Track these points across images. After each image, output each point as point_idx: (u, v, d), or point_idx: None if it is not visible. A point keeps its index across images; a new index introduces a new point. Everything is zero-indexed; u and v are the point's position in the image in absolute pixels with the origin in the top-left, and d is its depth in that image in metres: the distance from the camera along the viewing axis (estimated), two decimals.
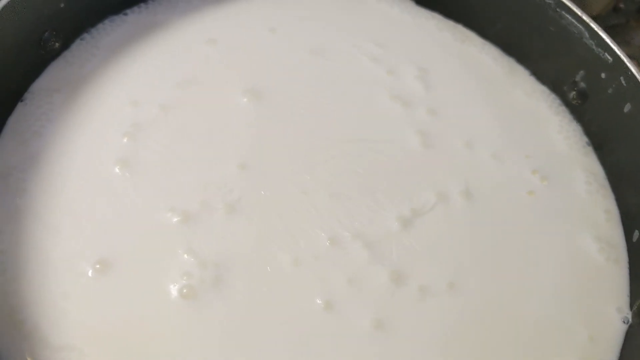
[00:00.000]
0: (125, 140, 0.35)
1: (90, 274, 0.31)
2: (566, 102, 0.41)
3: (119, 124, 0.36)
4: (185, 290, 0.30)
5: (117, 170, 0.34)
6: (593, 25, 0.37)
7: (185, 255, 0.32)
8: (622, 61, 0.36)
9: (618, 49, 0.36)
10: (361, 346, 0.30)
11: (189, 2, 0.43)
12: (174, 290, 0.31)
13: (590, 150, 0.39)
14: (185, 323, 0.30)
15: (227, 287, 0.31)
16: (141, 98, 0.37)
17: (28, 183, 0.34)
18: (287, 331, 0.30)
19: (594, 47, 0.38)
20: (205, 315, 0.30)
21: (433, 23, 0.44)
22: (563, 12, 0.39)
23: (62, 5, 0.37)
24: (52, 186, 0.34)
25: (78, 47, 0.39)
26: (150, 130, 0.36)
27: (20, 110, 0.36)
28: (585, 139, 0.39)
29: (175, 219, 0.33)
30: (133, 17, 0.42)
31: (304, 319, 0.30)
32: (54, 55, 0.39)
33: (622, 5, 0.53)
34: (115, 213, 0.33)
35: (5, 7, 0.34)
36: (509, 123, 0.37)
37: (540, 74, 0.42)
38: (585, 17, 0.38)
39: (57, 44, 0.38)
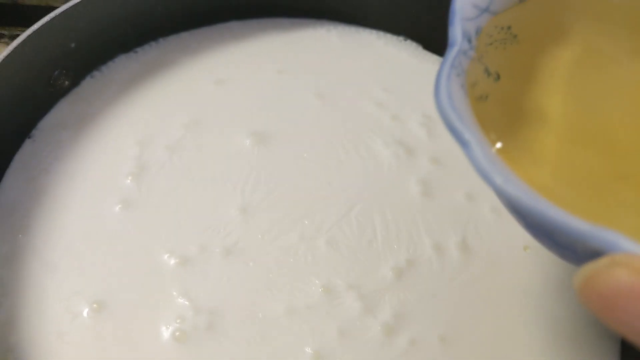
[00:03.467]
0: (128, 180, 0.36)
1: (86, 314, 0.31)
2: None
3: (124, 164, 0.36)
4: (177, 334, 0.31)
5: (118, 209, 0.35)
6: None
7: (181, 299, 0.32)
8: None
9: None
10: None
11: (200, 42, 0.43)
12: (166, 333, 0.31)
13: None
14: None
15: (219, 332, 0.31)
16: (147, 138, 0.37)
17: (32, 220, 0.34)
18: None
19: None
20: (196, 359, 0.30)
21: None
22: None
23: (73, 45, 0.38)
24: (54, 224, 0.34)
25: (88, 85, 0.40)
26: (154, 171, 0.36)
27: (28, 147, 0.37)
28: None
29: (172, 262, 0.33)
30: (143, 55, 0.42)
31: None
32: (63, 92, 0.39)
33: None
34: (114, 253, 0.33)
35: (16, 47, 0.34)
36: None
37: None
38: None
39: (66, 82, 0.39)
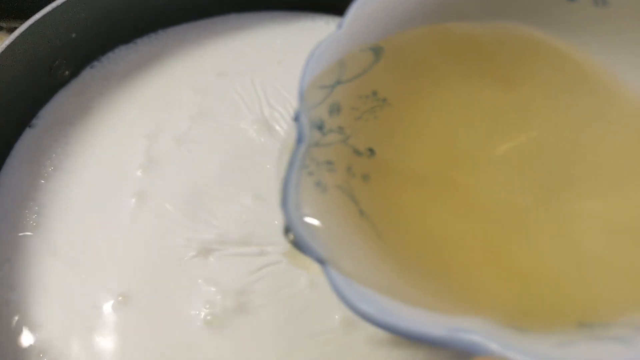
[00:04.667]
0: (139, 173, 0.36)
1: (112, 307, 0.31)
2: None
3: (132, 156, 0.37)
4: (209, 318, 0.31)
5: (133, 202, 0.35)
6: None
7: (207, 285, 0.32)
8: None
9: None
10: None
11: (199, 34, 0.43)
12: (197, 318, 0.31)
13: None
14: (211, 350, 0.30)
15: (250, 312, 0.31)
16: (155, 131, 0.38)
17: (44, 218, 0.34)
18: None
19: None
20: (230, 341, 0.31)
21: None
22: None
23: (73, 35, 0.38)
24: (66, 218, 0.34)
25: (88, 75, 0.40)
26: (165, 163, 0.36)
27: (29, 136, 0.37)
28: None
29: (192, 252, 0.33)
30: (143, 46, 0.43)
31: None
32: (64, 82, 0.39)
33: None
34: (133, 246, 0.33)
35: (18, 37, 0.35)
36: None
37: None
38: None
39: (67, 72, 0.39)
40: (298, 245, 0.19)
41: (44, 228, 0.34)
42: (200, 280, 0.32)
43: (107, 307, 0.31)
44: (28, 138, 0.37)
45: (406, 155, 0.24)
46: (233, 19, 0.45)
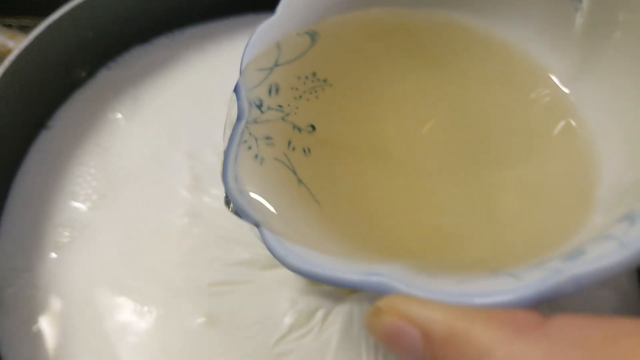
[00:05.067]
0: (184, 193, 0.35)
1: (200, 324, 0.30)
2: None
3: (152, 158, 0.36)
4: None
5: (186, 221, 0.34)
6: None
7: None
8: None
9: None
10: None
11: (216, 34, 0.43)
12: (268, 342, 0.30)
13: None
14: None
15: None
16: (195, 149, 0.36)
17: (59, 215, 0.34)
18: None
19: None
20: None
21: None
22: None
23: (90, 35, 0.38)
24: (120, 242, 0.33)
25: (103, 76, 0.40)
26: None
27: (44, 137, 0.37)
28: None
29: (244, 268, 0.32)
30: (159, 46, 0.42)
31: None
32: (79, 83, 0.39)
33: None
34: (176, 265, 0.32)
35: (36, 37, 0.34)
36: None
37: None
38: None
39: (83, 73, 0.39)
40: (236, 212, 0.22)
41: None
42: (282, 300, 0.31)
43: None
44: (43, 139, 0.37)
45: (345, 130, 0.26)
46: (250, 19, 0.44)
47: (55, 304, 0.31)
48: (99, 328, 0.30)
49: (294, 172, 0.24)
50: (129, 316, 0.31)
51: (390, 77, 0.27)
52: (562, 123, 0.26)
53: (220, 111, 0.37)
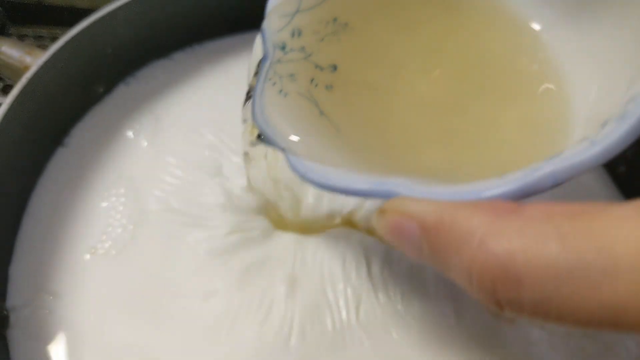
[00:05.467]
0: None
1: None
2: None
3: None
4: None
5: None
6: None
7: None
8: None
9: None
10: None
11: (235, 48, 0.42)
12: None
13: None
14: None
15: None
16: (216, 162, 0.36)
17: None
18: None
19: None
20: None
21: None
22: None
23: (109, 50, 0.37)
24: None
25: (121, 91, 0.39)
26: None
27: (60, 155, 0.36)
28: None
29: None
30: (178, 61, 0.41)
31: None
32: (97, 99, 0.38)
33: None
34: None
35: (55, 52, 0.33)
36: None
37: None
38: None
39: (101, 89, 0.38)
40: (263, 140, 0.24)
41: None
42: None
43: None
44: (60, 157, 0.36)
45: (365, 70, 0.28)
46: None
47: (70, 326, 0.30)
48: (109, 353, 0.30)
49: (316, 105, 0.26)
50: (143, 345, 0.30)
51: (407, 22, 0.29)
52: (544, 66, 0.29)
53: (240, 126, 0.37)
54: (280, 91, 0.26)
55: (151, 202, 0.34)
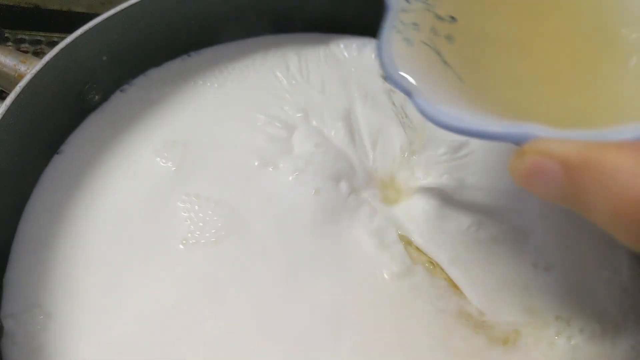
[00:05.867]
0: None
1: None
2: None
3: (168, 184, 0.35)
4: None
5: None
6: None
7: None
8: None
9: None
10: None
11: (231, 55, 0.42)
12: None
13: None
14: None
15: None
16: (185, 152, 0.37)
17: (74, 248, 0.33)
18: None
19: None
20: None
21: None
22: None
23: (104, 58, 0.37)
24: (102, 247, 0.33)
25: (118, 99, 0.39)
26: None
27: (57, 163, 0.36)
28: None
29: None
30: (175, 68, 0.41)
31: None
32: (93, 107, 0.38)
33: None
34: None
35: (50, 60, 0.33)
36: None
37: None
38: None
39: (96, 96, 0.38)
40: (390, 82, 0.25)
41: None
42: None
43: None
44: (56, 165, 0.36)
45: (483, 22, 0.29)
46: (268, 40, 0.43)
47: (64, 336, 0.30)
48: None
49: (439, 54, 0.27)
50: None
51: None
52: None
53: (239, 130, 0.37)
54: (406, 39, 0.27)
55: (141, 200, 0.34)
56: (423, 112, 0.24)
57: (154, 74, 0.40)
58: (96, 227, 0.33)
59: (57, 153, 0.36)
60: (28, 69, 0.34)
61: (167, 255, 0.32)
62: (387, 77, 0.26)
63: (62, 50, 0.34)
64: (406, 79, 0.25)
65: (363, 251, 0.33)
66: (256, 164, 0.36)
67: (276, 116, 0.38)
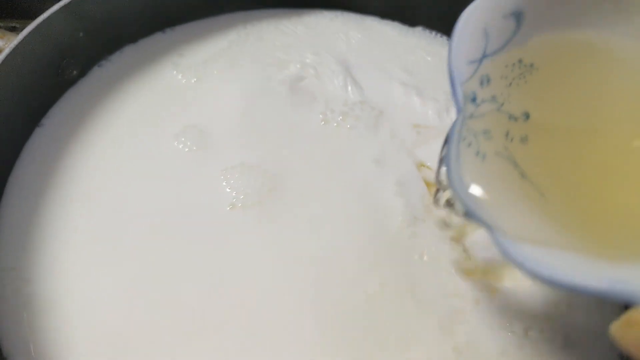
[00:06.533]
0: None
1: None
2: None
3: (152, 157, 0.37)
4: None
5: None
6: None
7: None
8: None
9: None
10: None
11: (205, 31, 0.43)
12: None
13: None
14: None
15: None
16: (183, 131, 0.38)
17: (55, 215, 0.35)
18: None
19: None
20: None
21: None
22: None
23: (81, 34, 0.38)
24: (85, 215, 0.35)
25: (95, 75, 0.40)
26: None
27: (38, 136, 0.37)
28: None
29: None
30: (150, 45, 0.42)
31: None
32: (72, 82, 0.39)
33: None
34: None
35: (26, 36, 0.34)
36: None
37: None
38: None
39: (74, 72, 0.39)
40: (467, 215, 0.21)
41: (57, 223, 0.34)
42: None
43: None
44: (38, 137, 0.37)
45: (556, 113, 0.25)
46: (240, 16, 0.45)
47: (46, 296, 0.32)
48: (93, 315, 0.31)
49: (515, 165, 0.24)
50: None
51: (587, 65, 0.27)
52: None
53: (210, 105, 0.39)
54: (478, 153, 0.23)
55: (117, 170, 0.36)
56: (507, 257, 0.20)
57: (130, 50, 0.42)
58: (77, 194, 0.35)
59: (39, 126, 0.38)
60: (6, 44, 0.35)
61: (144, 218, 0.34)
62: (463, 209, 0.21)
63: (38, 25, 0.35)
64: (482, 208, 0.21)
65: None
66: None
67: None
